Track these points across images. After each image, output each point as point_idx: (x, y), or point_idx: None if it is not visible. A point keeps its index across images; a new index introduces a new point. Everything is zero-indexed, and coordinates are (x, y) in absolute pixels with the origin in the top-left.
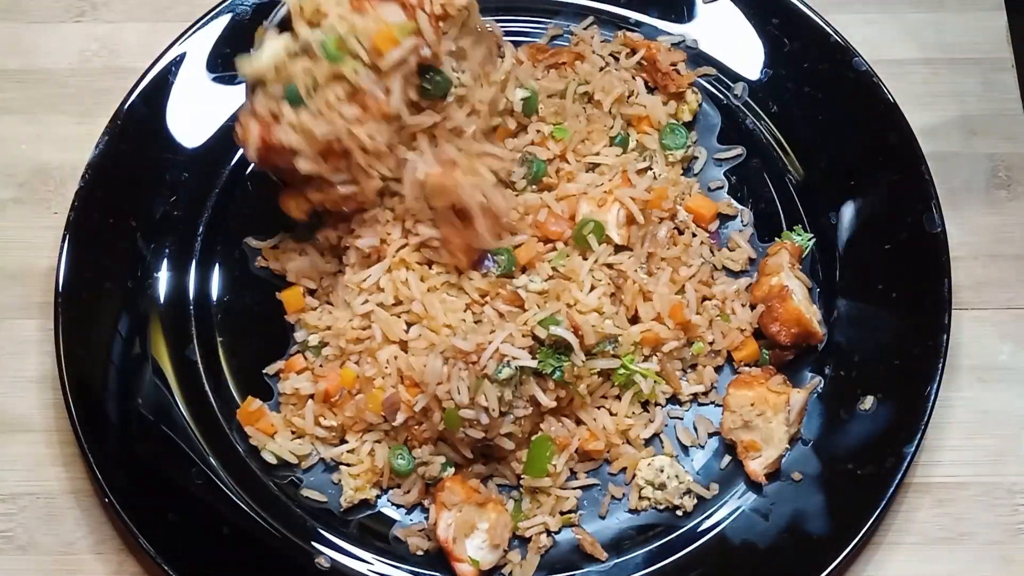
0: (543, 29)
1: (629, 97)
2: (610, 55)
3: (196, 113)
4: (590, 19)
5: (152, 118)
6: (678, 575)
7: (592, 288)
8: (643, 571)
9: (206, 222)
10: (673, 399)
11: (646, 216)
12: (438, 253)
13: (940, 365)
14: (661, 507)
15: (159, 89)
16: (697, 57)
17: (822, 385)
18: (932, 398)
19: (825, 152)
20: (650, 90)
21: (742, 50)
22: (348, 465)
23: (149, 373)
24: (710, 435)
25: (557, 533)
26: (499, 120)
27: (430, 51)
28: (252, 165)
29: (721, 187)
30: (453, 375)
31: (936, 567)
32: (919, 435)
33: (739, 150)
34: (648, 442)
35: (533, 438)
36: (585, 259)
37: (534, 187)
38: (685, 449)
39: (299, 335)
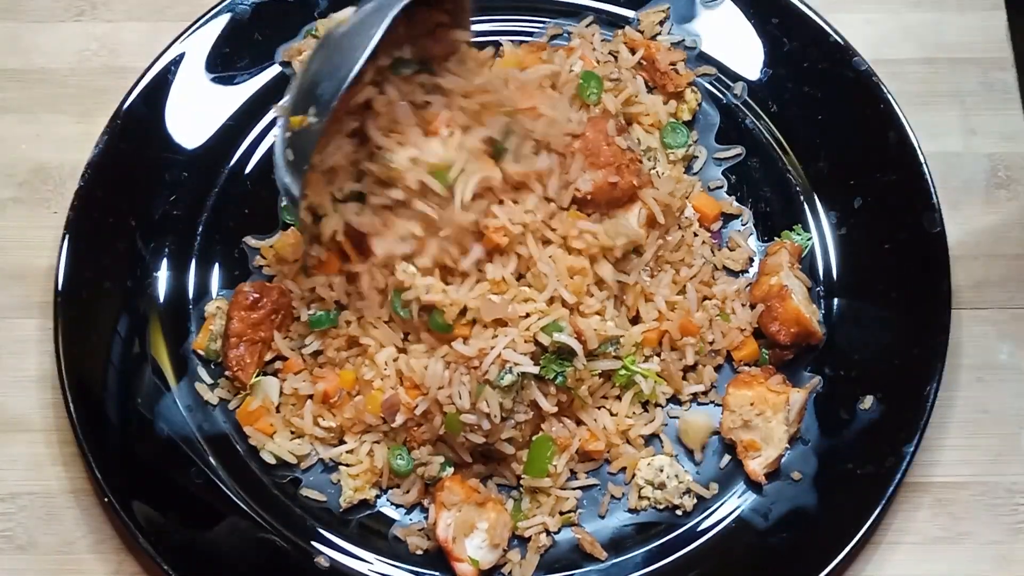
0: (543, 29)
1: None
2: (610, 53)
3: (196, 113)
4: (590, 18)
5: (152, 118)
6: (677, 575)
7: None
8: (642, 571)
9: (205, 222)
10: (673, 399)
11: (667, 217)
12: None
13: (940, 365)
14: (661, 507)
15: (159, 89)
16: (697, 57)
17: (822, 385)
18: (932, 398)
19: (825, 152)
20: (649, 89)
21: (742, 50)
22: (347, 465)
23: (148, 372)
24: (710, 435)
25: (557, 533)
26: None
27: None
28: (251, 165)
29: (720, 187)
30: (454, 380)
31: (936, 567)
32: (919, 435)
33: (738, 150)
34: (648, 441)
35: (534, 438)
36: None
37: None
38: (685, 449)
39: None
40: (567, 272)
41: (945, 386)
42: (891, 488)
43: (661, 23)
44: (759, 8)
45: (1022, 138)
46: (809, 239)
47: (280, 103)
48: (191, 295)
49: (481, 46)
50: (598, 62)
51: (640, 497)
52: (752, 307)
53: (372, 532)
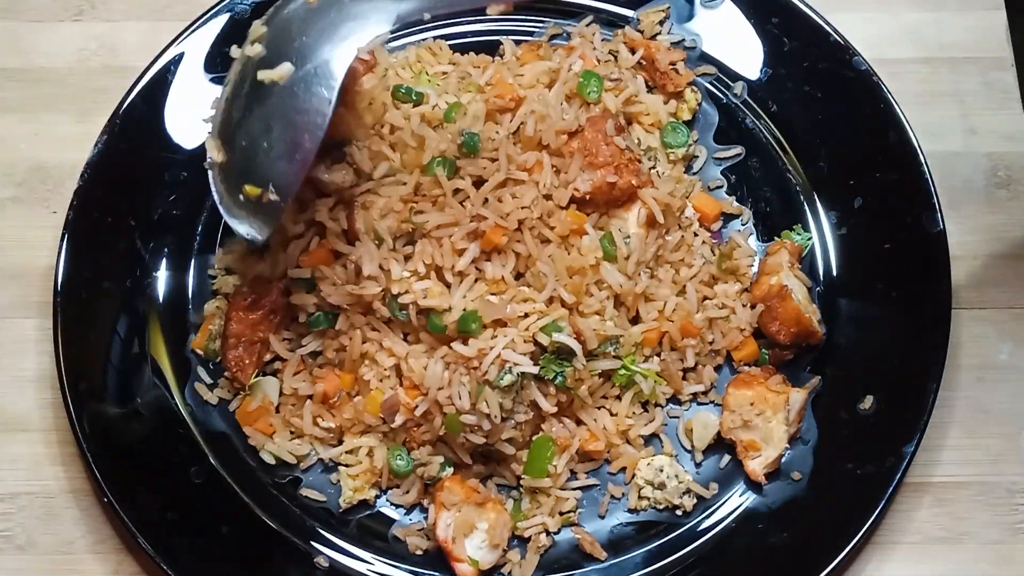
0: (543, 28)
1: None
2: (609, 53)
3: (195, 112)
4: (590, 18)
5: (151, 117)
6: (678, 575)
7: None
8: (642, 571)
9: (204, 221)
10: (673, 399)
11: (667, 217)
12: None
13: (940, 365)
14: (661, 507)
15: (158, 88)
16: (697, 57)
17: (821, 385)
18: (932, 398)
19: (825, 152)
20: (649, 89)
21: (742, 49)
22: (347, 466)
23: (148, 372)
24: (711, 435)
25: (556, 533)
26: None
27: None
28: None
29: (720, 186)
30: (454, 380)
31: (935, 567)
32: (919, 435)
33: (738, 149)
34: (647, 441)
35: (534, 438)
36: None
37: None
38: (685, 449)
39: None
40: (566, 272)
41: (945, 386)
42: (891, 488)
43: (661, 23)
44: (759, 8)
45: (1022, 138)
46: (809, 239)
47: (210, 136)
48: (190, 295)
49: (481, 45)
50: (599, 61)
51: (640, 497)
52: (752, 307)
53: (372, 532)
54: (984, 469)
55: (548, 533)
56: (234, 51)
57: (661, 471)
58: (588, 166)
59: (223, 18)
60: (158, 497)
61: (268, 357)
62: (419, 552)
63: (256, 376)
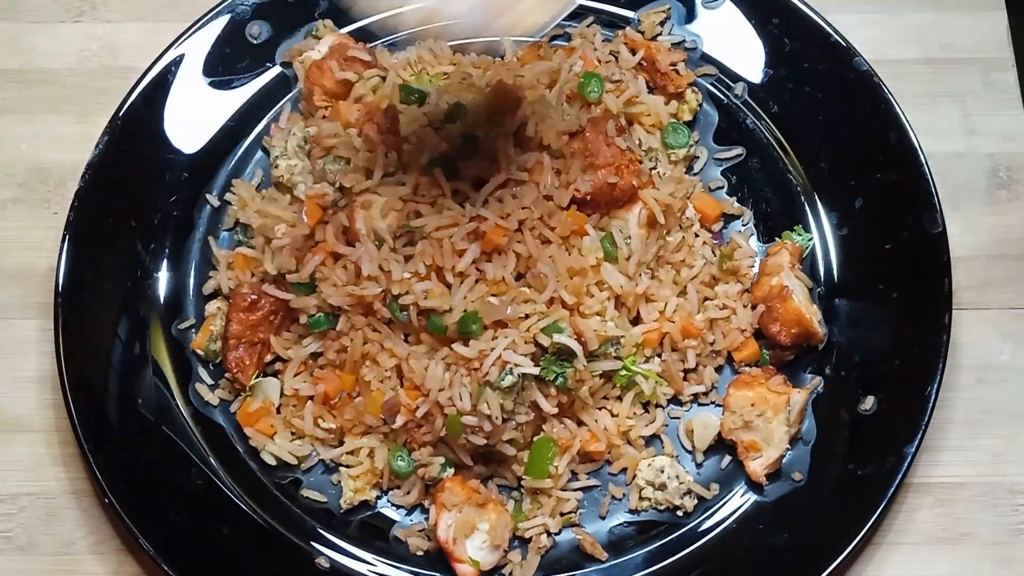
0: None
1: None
2: (610, 54)
3: (196, 113)
4: (590, 19)
5: (152, 118)
6: (678, 575)
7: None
8: (643, 571)
9: (205, 222)
10: (674, 399)
11: (668, 218)
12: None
13: (940, 365)
14: (662, 507)
15: (159, 89)
16: (698, 57)
17: (822, 385)
18: (932, 398)
19: (825, 152)
20: (649, 90)
21: (742, 50)
22: (347, 466)
23: (149, 373)
24: (712, 436)
25: (557, 534)
26: None
27: None
28: (251, 166)
29: (721, 187)
30: (455, 381)
31: (936, 567)
32: (919, 435)
33: (739, 150)
34: (648, 442)
35: (535, 439)
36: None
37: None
38: (685, 450)
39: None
40: (567, 273)
41: (946, 387)
42: (892, 488)
43: (662, 23)
44: (759, 8)
45: (1022, 138)
46: (810, 239)
47: None
48: (191, 296)
49: (482, 45)
50: (599, 62)
51: (641, 498)
52: (753, 308)
53: (373, 533)
54: (985, 470)
55: (549, 534)
56: None
57: (662, 472)
58: (589, 167)
59: (224, 19)
60: (159, 498)
61: (269, 358)
62: (420, 553)
63: (257, 377)
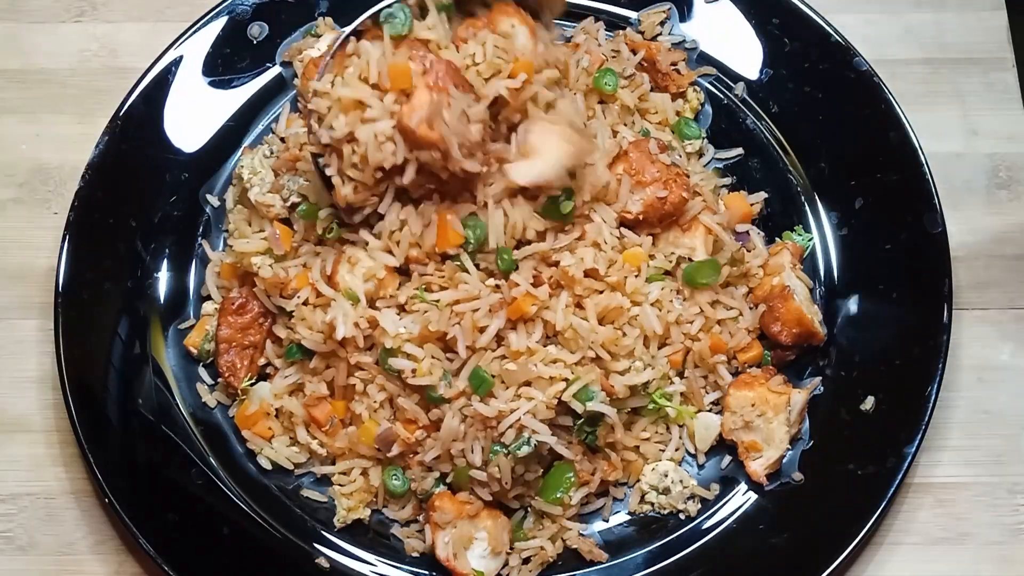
0: None
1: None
2: (612, 51)
3: (196, 113)
4: (590, 19)
5: (152, 118)
6: (679, 575)
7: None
8: (644, 571)
9: (205, 223)
10: None
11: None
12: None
13: (941, 365)
14: (664, 511)
15: (159, 89)
16: (698, 57)
17: (823, 385)
18: (933, 398)
19: (825, 152)
20: (651, 89)
21: (742, 50)
22: (340, 485)
23: (149, 373)
24: (715, 437)
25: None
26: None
27: None
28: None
29: (722, 187)
30: (469, 435)
31: (937, 567)
32: (920, 435)
33: (739, 150)
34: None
35: (555, 464)
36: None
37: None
38: (687, 452)
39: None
40: (601, 315)
41: (946, 387)
42: (892, 489)
43: (662, 23)
44: (759, 8)
45: (1022, 138)
46: (810, 240)
47: None
48: (191, 296)
49: None
50: (605, 57)
51: (643, 501)
52: (754, 307)
53: (373, 533)
54: (985, 470)
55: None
56: None
57: (666, 476)
58: (636, 185)
59: (223, 20)
60: (159, 498)
61: (263, 361)
62: (416, 554)
63: (252, 381)
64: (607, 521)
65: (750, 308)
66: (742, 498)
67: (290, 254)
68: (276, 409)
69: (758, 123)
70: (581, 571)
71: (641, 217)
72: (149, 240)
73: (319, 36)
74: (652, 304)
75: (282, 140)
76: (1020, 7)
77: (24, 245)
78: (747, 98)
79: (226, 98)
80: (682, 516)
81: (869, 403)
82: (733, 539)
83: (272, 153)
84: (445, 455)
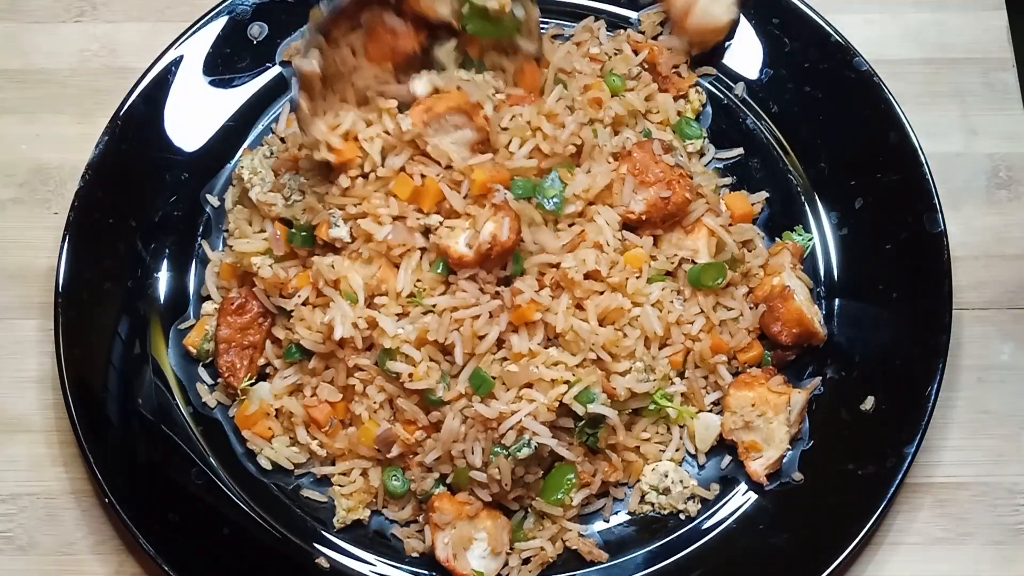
0: (543, 29)
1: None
2: (615, 50)
3: (196, 113)
4: (591, 19)
5: (152, 118)
6: (678, 575)
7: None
8: (644, 571)
9: (205, 223)
10: None
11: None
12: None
13: (941, 365)
14: (665, 511)
15: (159, 89)
16: (698, 57)
17: (823, 385)
18: (933, 398)
19: (825, 152)
20: None
21: (743, 50)
22: (340, 485)
23: (149, 373)
24: (715, 438)
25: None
26: None
27: None
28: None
29: (722, 187)
30: (469, 436)
31: (937, 567)
32: (920, 435)
33: (739, 150)
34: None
35: (556, 464)
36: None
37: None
38: (688, 452)
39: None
40: (601, 316)
41: (946, 386)
42: (892, 489)
43: (662, 23)
44: (759, 8)
45: (1022, 138)
46: (810, 239)
47: None
48: (192, 296)
49: None
50: (607, 56)
51: (643, 502)
52: (754, 307)
53: (373, 533)
54: (985, 470)
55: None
56: None
57: (666, 476)
58: (639, 185)
59: (223, 20)
60: (159, 498)
61: (263, 361)
62: (415, 554)
63: (252, 381)
64: (607, 521)
65: (750, 308)
66: (742, 498)
67: (290, 254)
68: (276, 409)
69: (758, 123)
70: (581, 571)
71: (644, 217)
72: (149, 240)
73: None
74: (652, 305)
75: (282, 140)
76: (1020, 7)
77: (24, 245)
78: (747, 98)
79: (226, 98)
80: (682, 516)
81: (869, 403)
82: (733, 539)
83: (272, 154)
84: (445, 456)
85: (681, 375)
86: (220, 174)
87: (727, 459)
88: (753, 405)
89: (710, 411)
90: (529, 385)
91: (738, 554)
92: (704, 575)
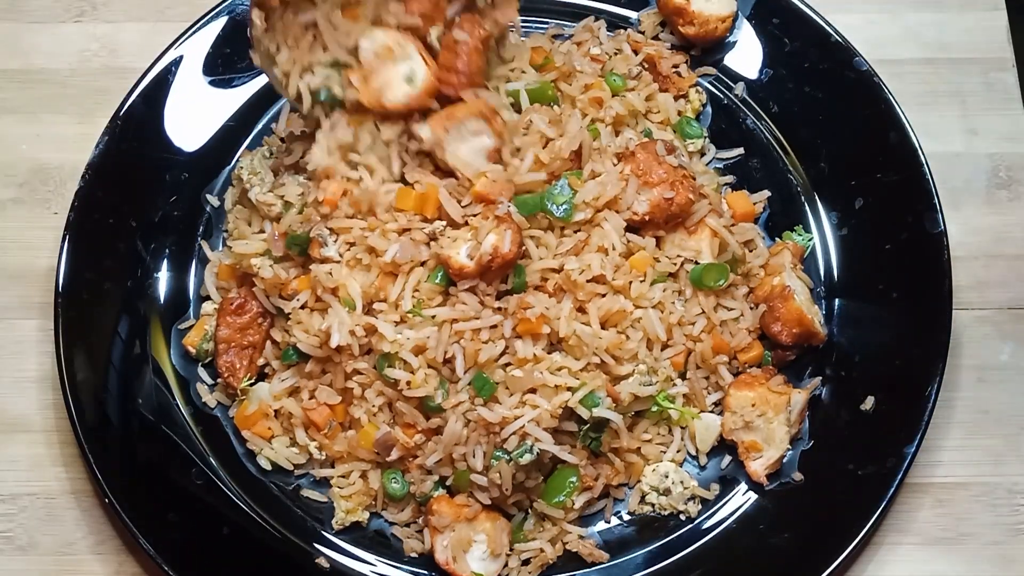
0: (543, 29)
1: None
2: (615, 49)
3: (196, 113)
4: (591, 19)
5: (152, 118)
6: (678, 575)
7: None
8: (644, 571)
9: (205, 222)
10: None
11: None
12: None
13: (940, 365)
14: (665, 512)
15: (159, 89)
16: (698, 57)
17: (823, 385)
18: (932, 398)
19: (825, 152)
20: None
21: (743, 50)
22: (340, 487)
23: (149, 373)
24: (715, 438)
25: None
26: None
27: None
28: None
29: (723, 186)
30: (471, 439)
31: (936, 567)
32: (919, 435)
33: (739, 150)
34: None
35: (558, 467)
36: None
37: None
38: (688, 453)
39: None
40: (604, 319)
41: (946, 386)
42: (892, 488)
43: (662, 23)
44: (759, 8)
45: (1022, 138)
46: (810, 239)
47: None
48: (192, 296)
49: None
50: (608, 55)
51: (643, 502)
52: (755, 307)
53: (373, 533)
54: (985, 470)
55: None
56: None
57: (666, 477)
58: (643, 186)
59: (223, 20)
60: (159, 498)
61: (263, 361)
62: (415, 555)
63: (252, 381)
64: (607, 522)
65: (751, 308)
66: (742, 498)
67: (289, 255)
68: (275, 410)
69: (758, 123)
70: (581, 571)
71: (647, 218)
72: (149, 240)
73: None
74: (654, 307)
75: (282, 140)
76: (1020, 7)
77: (24, 245)
78: (747, 98)
79: (226, 98)
80: (682, 517)
81: (869, 403)
82: (733, 539)
83: (272, 154)
84: (447, 459)
85: (682, 376)
86: (220, 174)
87: (727, 459)
88: (753, 405)
89: (711, 411)
90: (533, 390)
91: (738, 554)
92: (704, 575)
